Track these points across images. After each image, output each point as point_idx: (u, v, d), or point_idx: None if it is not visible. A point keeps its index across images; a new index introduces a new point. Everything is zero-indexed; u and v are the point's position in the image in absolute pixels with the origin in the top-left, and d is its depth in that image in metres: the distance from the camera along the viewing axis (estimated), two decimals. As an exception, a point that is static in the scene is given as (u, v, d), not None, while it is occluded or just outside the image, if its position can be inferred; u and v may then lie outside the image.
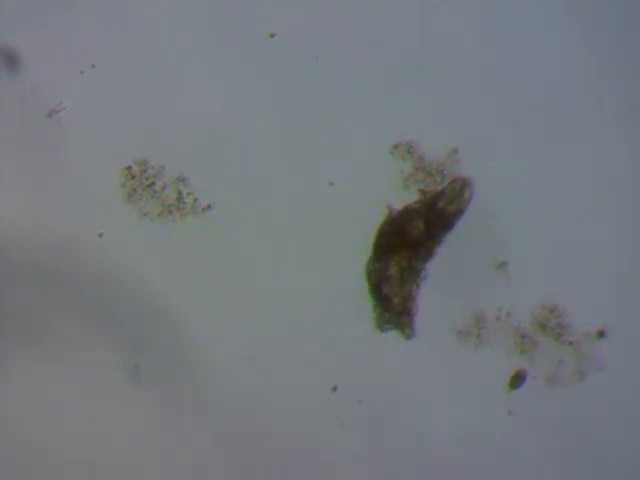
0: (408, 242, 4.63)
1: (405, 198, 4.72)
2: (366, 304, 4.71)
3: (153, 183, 4.75)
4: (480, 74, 4.82)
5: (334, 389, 4.69)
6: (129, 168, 4.74)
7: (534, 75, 4.84)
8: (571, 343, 4.69)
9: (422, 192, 4.72)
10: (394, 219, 4.66)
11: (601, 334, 4.70)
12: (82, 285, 4.67)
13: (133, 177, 4.74)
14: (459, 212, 4.67)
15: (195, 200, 4.76)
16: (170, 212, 4.76)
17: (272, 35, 4.80)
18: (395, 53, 4.79)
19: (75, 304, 4.66)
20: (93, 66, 4.79)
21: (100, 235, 4.74)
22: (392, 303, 4.66)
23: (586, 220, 4.77)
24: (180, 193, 4.75)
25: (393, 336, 4.71)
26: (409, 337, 4.70)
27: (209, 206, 4.76)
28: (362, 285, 4.70)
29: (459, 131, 4.75)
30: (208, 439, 4.64)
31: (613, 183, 4.77)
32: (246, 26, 4.80)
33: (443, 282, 4.69)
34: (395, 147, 4.74)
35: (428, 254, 4.64)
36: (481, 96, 4.81)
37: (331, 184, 4.77)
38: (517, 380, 4.66)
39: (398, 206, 4.69)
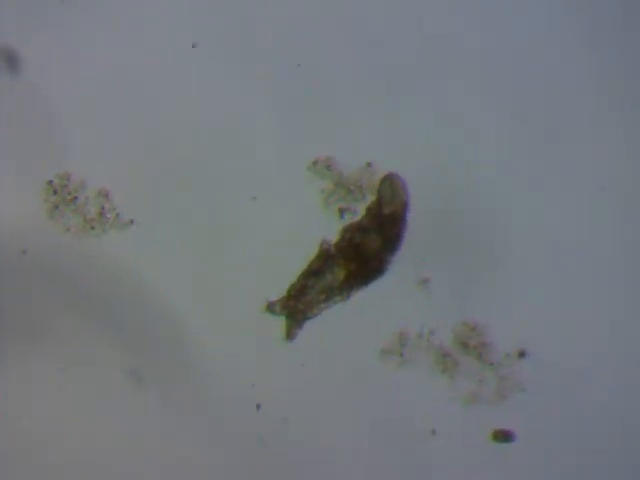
0: (364, 256, 4.58)
1: (326, 216, 4.68)
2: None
3: (75, 198, 4.71)
4: (480, 74, 4.77)
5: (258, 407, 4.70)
6: (51, 182, 4.70)
7: (534, 75, 4.79)
8: (492, 363, 4.65)
9: (341, 210, 4.66)
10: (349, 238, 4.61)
11: (522, 354, 4.66)
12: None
13: (55, 192, 4.70)
14: (405, 207, 4.60)
15: (117, 215, 4.72)
16: (92, 227, 4.72)
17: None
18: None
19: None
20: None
21: (24, 251, 4.72)
22: (302, 298, 4.61)
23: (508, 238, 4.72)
24: (102, 208, 4.72)
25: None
26: (286, 338, 4.65)
27: (131, 221, 4.72)
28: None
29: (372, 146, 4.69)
30: (208, 439, 4.66)
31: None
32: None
33: (367, 300, 4.64)
34: (314, 164, 4.67)
35: (375, 274, 4.59)
36: (481, 96, 4.76)
37: (253, 199, 4.72)
38: (504, 437, 4.67)
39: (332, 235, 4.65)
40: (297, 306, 4.62)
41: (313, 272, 4.61)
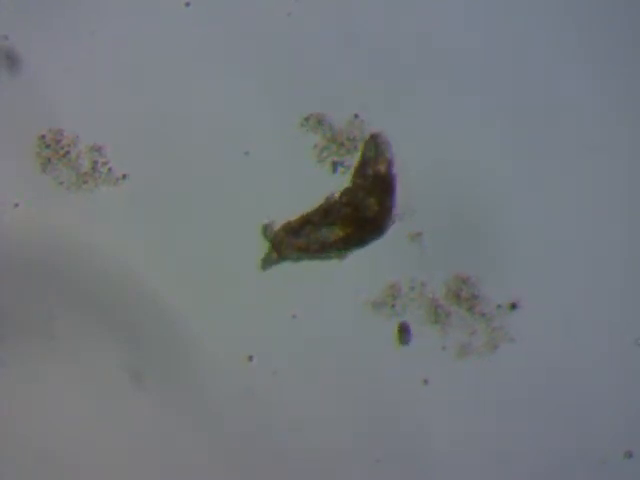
0: (362, 220, 4.60)
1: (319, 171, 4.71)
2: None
3: (68, 152, 4.70)
4: (481, 73, 4.79)
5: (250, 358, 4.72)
6: (43, 137, 4.70)
7: (534, 75, 4.82)
8: (483, 314, 4.71)
9: (335, 164, 4.69)
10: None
11: (514, 306, 4.72)
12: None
13: (47, 146, 4.70)
14: (390, 166, 4.63)
15: (110, 169, 4.72)
16: (85, 181, 4.72)
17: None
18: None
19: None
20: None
21: (16, 205, 4.71)
22: (294, 238, 4.63)
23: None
24: (95, 162, 4.72)
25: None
26: (261, 266, 4.67)
27: (124, 176, 4.72)
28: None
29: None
30: (208, 439, 4.67)
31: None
32: None
33: (358, 253, 4.68)
34: (306, 119, 4.70)
35: (372, 237, 4.62)
36: (481, 96, 4.78)
37: (246, 154, 4.74)
38: (403, 334, 4.69)
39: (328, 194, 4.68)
40: (285, 240, 4.63)
41: (312, 222, 4.63)
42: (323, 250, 4.63)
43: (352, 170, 4.66)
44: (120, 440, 4.64)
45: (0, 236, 4.68)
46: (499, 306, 4.71)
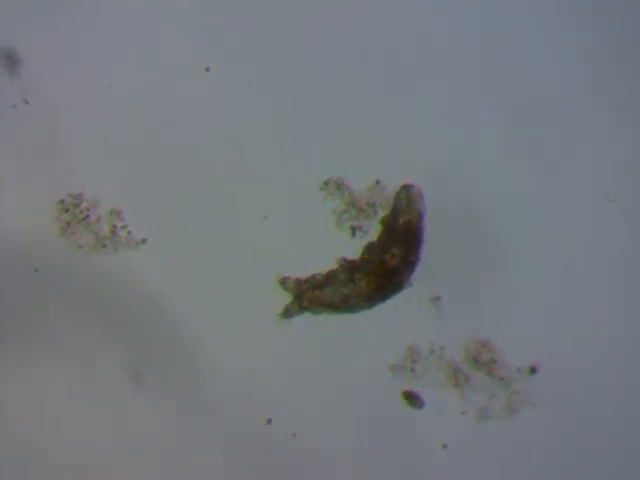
0: (386, 272, 4.61)
1: (338, 236, 4.72)
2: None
3: (87, 216, 4.72)
4: (482, 74, 4.81)
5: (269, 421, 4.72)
6: (62, 201, 4.71)
7: (534, 75, 4.82)
8: (502, 378, 4.70)
9: (353, 229, 4.71)
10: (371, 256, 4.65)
11: (533, 370, 4.71)
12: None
13: (67, 210, 4.72)
14: (421, 218, 4.64)
15: (129, 233, 4.74)
16: (104, 245, 4.74)
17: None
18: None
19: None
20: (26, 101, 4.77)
21: (36, 270, 4.72)
22: (317, 291, 4.65)
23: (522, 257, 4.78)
24: (114, 226, 4.73)
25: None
26: (283, 315, 4.68)
27: (143, 240, 4.73)
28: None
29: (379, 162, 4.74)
30: (208, 439, 4.66)
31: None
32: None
33: (379, 314, 4.68)
34: (326, 183, 4.72)
35: (394, 289, 4.63)
36: (482, 96, 4.80)
37: (265, 218, 4.76)
38: (413, 400, 4.68)
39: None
40: (307, 293, 4.66)
41: (337, 276, 4.65)
42: (345, 304, 4.64)
43: (379, 219, 4.68)
44: (120, 440, 4.65)
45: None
46: (519, 370, 4.70)
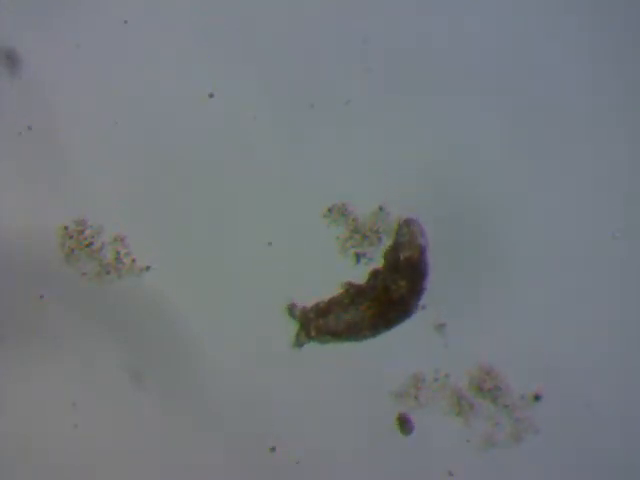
0: (391, 300, 4.61)
1: (343, 262, 4.71)
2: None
3: (91, 243, 4.72)
4: (482, 74, 4.80)
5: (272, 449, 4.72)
6: (66, 228, 4.71)
7: (534, 75, 4.82)
8: (507, 406, 4.70)
9: (357, 256, 4.70)
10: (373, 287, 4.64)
11: (537, 397, 4.71)
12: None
13: (70, 237, 4.71)
14: (423, 253, 4.64)
15: (133, 260, 4.73)
16: (108, 272, 4.74)
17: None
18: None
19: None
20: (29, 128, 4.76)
21: (41, 297, 4.73)
22: (322, 319, 4.65)
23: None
24: (118, 253, 4.73)
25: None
26: (294, 345, 4.69)
27: (147, 267, 4.73)
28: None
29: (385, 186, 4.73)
30: (208, 439, 4.67)
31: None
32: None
33: (382, 342, 4.67)
34: (329, 210, 4.71)
35: (400, 318, 4.62)
36: (482, 96, 4.79)
37: (269, 244, 4.75)
38: (404, 424, 4.68)
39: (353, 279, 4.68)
40: (314, 321, 4.66)
41: (340, 304, 4.64)
42: (350, 332, 4.63)
43: (383, 250, 4.68)
44: (120, 440, 4.65)
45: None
46: (522, 397, 4.70)
